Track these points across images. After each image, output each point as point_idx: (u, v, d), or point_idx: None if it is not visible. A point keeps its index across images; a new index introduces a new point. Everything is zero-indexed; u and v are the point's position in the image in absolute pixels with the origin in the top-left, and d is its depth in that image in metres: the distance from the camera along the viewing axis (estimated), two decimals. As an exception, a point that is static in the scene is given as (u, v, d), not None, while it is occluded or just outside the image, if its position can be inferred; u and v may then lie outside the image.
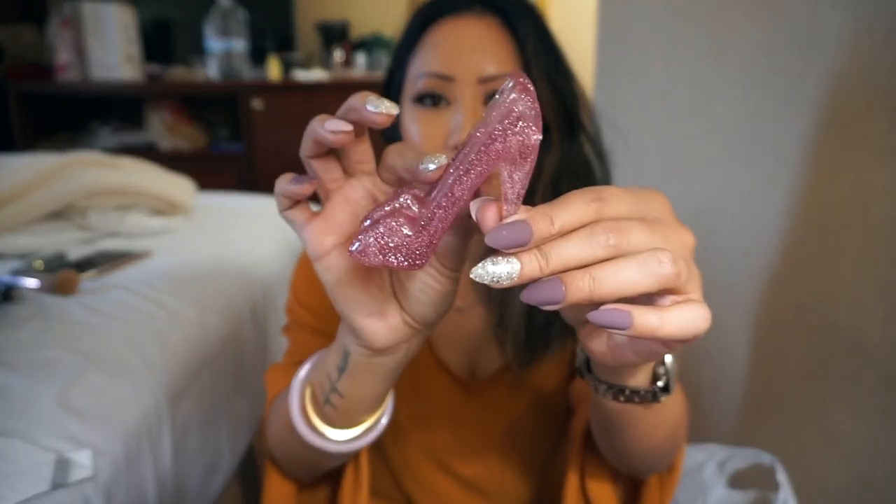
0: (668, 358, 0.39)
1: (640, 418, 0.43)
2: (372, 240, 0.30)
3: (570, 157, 0.61)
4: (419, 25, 0.60)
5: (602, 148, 0.65)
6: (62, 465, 0.66)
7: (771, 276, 0.94)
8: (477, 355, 0.69)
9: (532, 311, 0.63)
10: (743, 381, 1.02)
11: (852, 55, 0.77)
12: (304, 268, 0.69)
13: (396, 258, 0.31)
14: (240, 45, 2.66)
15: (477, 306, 0.69)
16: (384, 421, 0.48)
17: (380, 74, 2.85)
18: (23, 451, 0.66)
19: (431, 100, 0.58)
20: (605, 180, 0.65)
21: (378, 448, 0.72)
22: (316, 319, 0.66)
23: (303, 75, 2.71)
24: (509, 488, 0.72)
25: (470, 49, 0.56)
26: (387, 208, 0.31)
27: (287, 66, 2.79)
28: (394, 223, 0.30)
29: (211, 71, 2.69)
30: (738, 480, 0.80)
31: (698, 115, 1.09)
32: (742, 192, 0.98)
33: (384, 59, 2.90)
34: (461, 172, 0.29)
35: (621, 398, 0.40)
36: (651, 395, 0.40)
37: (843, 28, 0.78)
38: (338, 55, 2.94)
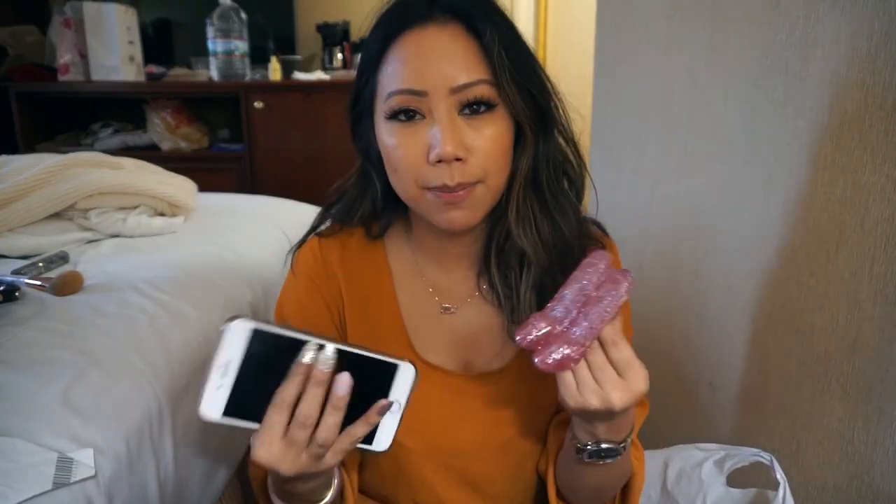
0: (590, 446, 0.56)
1: (576, 468, 0.61)
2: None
3: (545, 151, 0.64)
4: (382, 40, 0.59)
5: (571, 133, 0.67)
6: (64, 464, 0.66)
7: (769, 276, 0.94)
8: (469, 353, 0.69)
9: (542, 301, 0.63)
10: (741, 380, 1.02)
11: (850, 56, 0.77)
12: (294, 290, 0.71)
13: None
14: (241, 46, 2.66)
15: (465, 305, 0.69)
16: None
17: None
18: (25, 450, 0.66)
19: (406, 115, 0.57)
20: (577, 160, 0.68)
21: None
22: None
23: (303, 76, 2.71)
24: (500, 488, 0.72)
25: (438, 61, 0.55)
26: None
27: (288, 67, 2.79)
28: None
29: (212, 72, 2.69)
30: (736, 479, 0.80)
31: (698, 115, 1.09)
32: (741, 192, 0.99)
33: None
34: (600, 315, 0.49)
35: (571, 439, 0.58)
36: (577, 451, 0.57)
37: (841, 29, 0.78)
38: (338, 56, 2.94)
